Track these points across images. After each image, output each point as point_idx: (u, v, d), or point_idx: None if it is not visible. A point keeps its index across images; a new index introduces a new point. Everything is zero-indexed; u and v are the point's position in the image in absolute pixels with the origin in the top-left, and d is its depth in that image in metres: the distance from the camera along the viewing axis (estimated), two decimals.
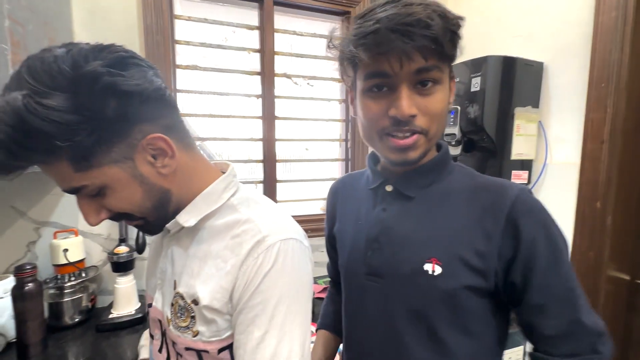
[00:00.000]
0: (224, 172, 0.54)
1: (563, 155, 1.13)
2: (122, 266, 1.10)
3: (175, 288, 0.50)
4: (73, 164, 0.40)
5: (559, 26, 1.13)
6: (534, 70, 1.16)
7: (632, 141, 1.00)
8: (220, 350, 0.47)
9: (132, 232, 1.18)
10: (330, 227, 0.71)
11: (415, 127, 0.48)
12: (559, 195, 1.14)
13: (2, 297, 0.96)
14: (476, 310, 0.50)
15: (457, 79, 1.26)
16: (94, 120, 0.38)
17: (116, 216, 0.46)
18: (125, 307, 1.11)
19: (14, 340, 0.93)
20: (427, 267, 0.50)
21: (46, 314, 1.01)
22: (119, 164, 0.42)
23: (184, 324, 0.48)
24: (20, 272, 0.91)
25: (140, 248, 1.14)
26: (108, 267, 1.15)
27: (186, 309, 0.48)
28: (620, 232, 1.02)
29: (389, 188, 0.57)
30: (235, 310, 0.45)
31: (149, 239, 1.26)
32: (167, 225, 0.51)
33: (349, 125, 1.59)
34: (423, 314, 0.51)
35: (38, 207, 1.14)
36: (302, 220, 1.54)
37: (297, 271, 0.47)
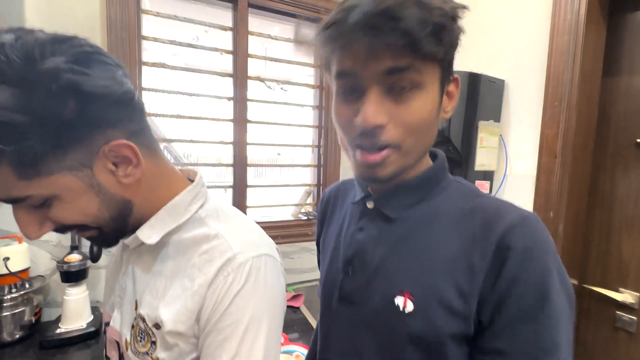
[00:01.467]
0: (191, 180, 0.50)
1: (521, 167, 1.21)
2: (73, 276, 1.01)
3: (136, 309, 0.46)
4: (16, 171, 0.34)
5: (518, 47, 1.21)
6: (496, 87, 1.23)
7: (581, 156, 1.09)
8: None
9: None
10: (318, 235, 0.65)
11: (383, 141, 0.40)
12: (517, 204, 1.21)
13: None
14: (454, 357, 0.40)
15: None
16: (48, 123, 0.33)
17: (63, 228, 0.41)
18: (75, 320, 1.02)
19: None
20: (398, 301, 0.42)
21: None
22: (74, 172, 0.37)
23: (143, 349, 0.44)
24: None
25: (94, 256, 1.05)
26: (57, 276, 1.05)
27: (147, 332, 0.44)
28: (570, 239, 1.10)
29: (370, 205, 0.49)
30: (203, 332, 0.42)
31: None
32: (125, 241, 0.46)
33: (322, 132, 1.60)
34: (391, 354, 0.43)
35: None
36: (273, 226, 1.51)
37: (269, 290, 0.44)
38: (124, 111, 0.40)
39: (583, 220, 1.14)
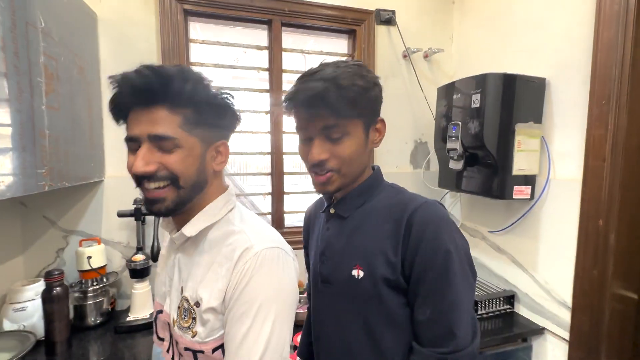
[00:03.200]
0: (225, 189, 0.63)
1: (566, 171, 1.13)
2: (139, 273, 1.19)
3: (182, 293, 0.58)
4: (183, 121, 0.52)
5: (560, 42, 1.13)
6: (536, 86, 1.16)
7: (635, 159, 0.98)
8: (214, 350, 0.54)
9: (148, 241, 1.28)
10: (304, 245, 0.88)
11: (326, 168, 0.62)
12: (562, 210, 1.13)
13: (33, 299, 1.07)
14: (396, 305, 0.61)
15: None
16: (215, 115, 0.56)
17: (162, 176, 0.52)
18: (141, 311, 1.19)
19: (43, 338, 1.03)
20: (354, 272, 0.63)
21: (71, 315, 1.12)
22: (201, 141, 0.55)
23: (186, 324, 0.56)
24: (50, 277, 1.02)
25: (155, 256, 1.23)
26: (127, 273, 1.25)
27: (189, 310, 0.55)
28: (625, 251, 1.00)
29: (332, 211, 0.71)
30: (227, 307, 0.53)
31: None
32: (173, 237, 0.59)
33: None
34: (357, 310, 0.63)
35: (67, 217, 1.26)
36: None
37: (279, 276, 0.54)
38: (235, 124, 0.62)
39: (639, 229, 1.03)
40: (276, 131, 1.50)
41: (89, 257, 1.17)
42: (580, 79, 1.06)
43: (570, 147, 1.11)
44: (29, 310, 1.06)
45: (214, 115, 0.56)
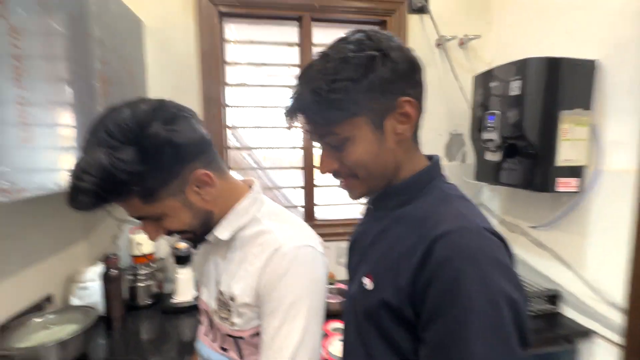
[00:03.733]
0: (250, 187, 0.64)
1: (619, 162, 1.03)
2: (182, 259, 1.30)
3: (217, 286, 0.62)
4: (142, 200, 0.51)
5: (613, 19, 1.03)
6: (584, 70, 1.07)
7: None
8: (253, 336, 0.59)
9: None
10: None
11: (341, 176, 0.53)
12: (615, 204, 1.04)
13: (94, 280, 1.21)
14: (402, 338, 0.47)
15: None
16: (156, 167, 0.50)
17: (170, 232, 0.57)
18: (184, 294, 1.30)
19: (103, 315, 1.17)
20: (365, 280, 0.52)
21: (125, 296, 1.24)
22: (174, 196, 0.53)
23: (224, 316, 0.60)
24: (107, 261, 1.14)
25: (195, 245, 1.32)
26: (171, 259, 1.36)
27: (226, 304, 0.59)
28: None
29: (370, 205, 0.61)
30: (261, 303, 0.56)
31: None
32: (208, 238, 0.62)
33: None
34: (361, 323, 0.52)
35: (120, 207, 1.39)
36: (340, 224, 1.61)
37: (308, 273, 0.56)
38: (200, 148, 0.55)
39: None
40: None
41: (139, 244, 1.29)
42: (637, 60, 0.96)
43: (625, 136, 1.01)
44: (91, 289, 1.19)
45: (166, 167, 0.51)
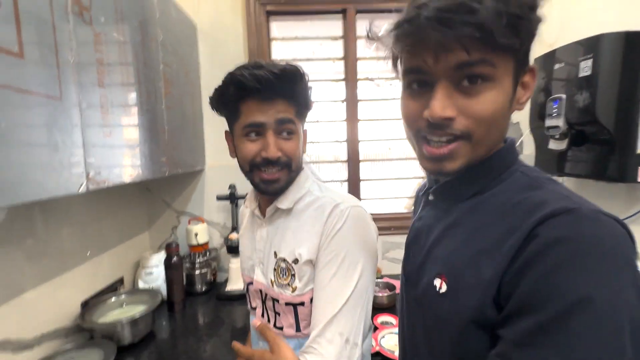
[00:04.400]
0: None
1: None
2: (234, 249, 1.36)
3: (276, 257, 0.65)
4: (296, 112, 0.63)
5: None
6: None
7: None
8: (312, 300, 0.61)
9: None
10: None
11: (453, 130, 0.40)
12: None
13: (157, 266, 1.31)
14: (478, 345, 0.39)
15: (543, 69, 1.10)
16: (307, 107, 0.67)
17: (282, 162, 0.62)
18: (236, 283, 1.36)
19: (166, 298, 1.27)
20: (436, 282, 0.44)
21: (184, 282, 1.34)
22: (302, 130, 0.66)
23: (285, 282, 0.64)
24: (169, 249, 1.24)
25: None
26: (224, 249, 1.44)
27: (288, 269, 0.63)
28: None
29: (430, 197, 0.52)
30: (318, 257, 0.60)
31: None
32: (268, 209, 0.67)
33: None
34: (430, 332, 0.46)
35: (178, 200, 1.50)
36: (386, 218, 1.58)
37: (363, 230, 0.61)
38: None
39: None
40: (352, 119, 1.53)
41: (196, 234, 1.38)
42: None
43: None
44: (155, 275, 1.30)
45: (308, 107, 0.66)
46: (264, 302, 0.69)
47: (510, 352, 0.34)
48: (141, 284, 1.29)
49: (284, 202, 0.65)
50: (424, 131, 0.42)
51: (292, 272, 0.62)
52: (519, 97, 0.42)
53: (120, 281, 1.27)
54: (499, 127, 0.42)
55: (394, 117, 1.55)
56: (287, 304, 0.63)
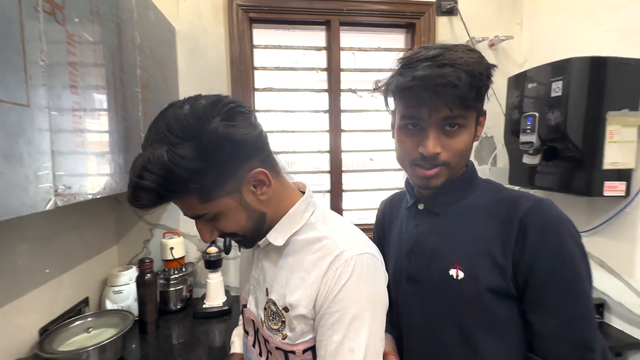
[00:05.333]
0: (302, 192, 0.62)
1: None
2: (213, 264, 1.29)
3: (267, 295, 0.59)
4: (199, 198, 0.49)
5: None
6: (632, 69, 1.03)
7: None
8: (305, 351, 0.55)
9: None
10: (378, 237, 0.83)
11: (438, 161, 0.58)
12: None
13: (128, 284, 1.21)
14: (501, 312, 0.56)
15: (510, 97, 1.19)
16: (215, 164, 0.48)
17: (223, 235, 0.56)
18: (215, 299, 1.29)
19: (137, 318, 1.17)
20: (452, 272, 0.58)
21: (157, 300, 1.25)
22: (231, 195, 0.51)
23: (275, 327, 0.56)
24: (142, 265, 1.15)
25: (227, 249, 1.32)
26: (201, 264, 1.36)
27: (278, 314, 0.56)
28: None
29: (420, 207, 0.66)
30: (317, 315, 0.52)
31: (234, 243, 1.45)
32: (259, 242, 0.59)
33: None
34: (454, 315, 0.58)
35: (152, 212, 1.41)
36: (368, 228, 1.58)
37: (371, 283, 0.52)
38: (257, 146, 0.53)
39: None
40: (335, 130, 1.53)
41: (172, 248, 1.30)
42: None
43: None
44: (125, 293, 1.20)
45: (225, 163, 0.49)
46: (256, 334, 0.64)
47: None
48: (109, 305, 1.18)
49: (276, 238, 0.57)
50: (417, 160, 0.59)
51: (282, 319, 0.55)
52: (477, 133, 0.61)
53: (85, 302, 1.15)
54: (466, 155, 0.61)
55: (376, 128, 1.57)
56: (277, 348, 0.57)
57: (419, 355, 0.65)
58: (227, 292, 1.37)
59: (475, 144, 1.48)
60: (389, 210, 0.80)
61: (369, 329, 0.50)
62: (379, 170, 1.63)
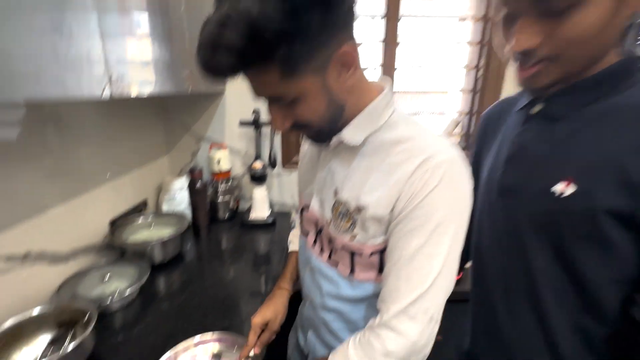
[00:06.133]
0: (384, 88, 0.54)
1: None
2: (258, 179, 1.31)
3: (336, 195, 0.56)
4: (282, 71, 0.42)
5: None
6: None
7: None
8: (371, 254, 0.53)
9: (265, 150, 1.36)
10: (474, 153, 0.71)
11: (537, 57, 0.43)
12: None
13: (181, 190, 1.28)
14: (617, 241, 0.43)
15: None
16: (304, 29, 0.40)
17: (296, 125, 0.50)
18: (260, 212, 1.34)
19: (190, 223, 1.26)
20: (557, 187, 0.46)
21: (208, 208, 1.32)
22: (315, 74, 0.45)
23: (344, 227, 0.54)
24: (192, 174, 1.19)
25: (273, 164, 1.32)
26: (246, 178, 1.39)
27: (348, 214, 0.53)
28: None
29: (535, 109, 0.52)
30: (396, 219, 0.49)
31: (279, 157, 1.44)
32: (331, 142, 0.54)
33: (483, 50, 1.37)
34: (548, 235, 0.48)
35: (198, 124, 1.41)
36: None
37: (461, 192, 0.48)
38: (350, 19, 0.45)
39: None
40: (391, 41, 1.34)
41: (219, 161, 1.32)
42: None
43: None
44: (178, 199, 1.28)
45: (314, 30, 0.41)
46: (318, 233, 0.63)
47: None
48: (165, 208, 1.27)
49: (353, 135, 0.52)
50: (516, 55, 0.46)
51: (354, 219, 0.52)
52: (623, 5, 0.40)
53: (144, 203, 1.25)
54: (594, 43, 0.42)
55: (436, 40, 1.36)
56: (343, 247, 0.55)
57: (495, 281, 0.57)
58: (271, 206, 1.42)
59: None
60: (494, 117, 0.66)
61: (451, 240, 0.46)
62: (433, 92, 1.46)
